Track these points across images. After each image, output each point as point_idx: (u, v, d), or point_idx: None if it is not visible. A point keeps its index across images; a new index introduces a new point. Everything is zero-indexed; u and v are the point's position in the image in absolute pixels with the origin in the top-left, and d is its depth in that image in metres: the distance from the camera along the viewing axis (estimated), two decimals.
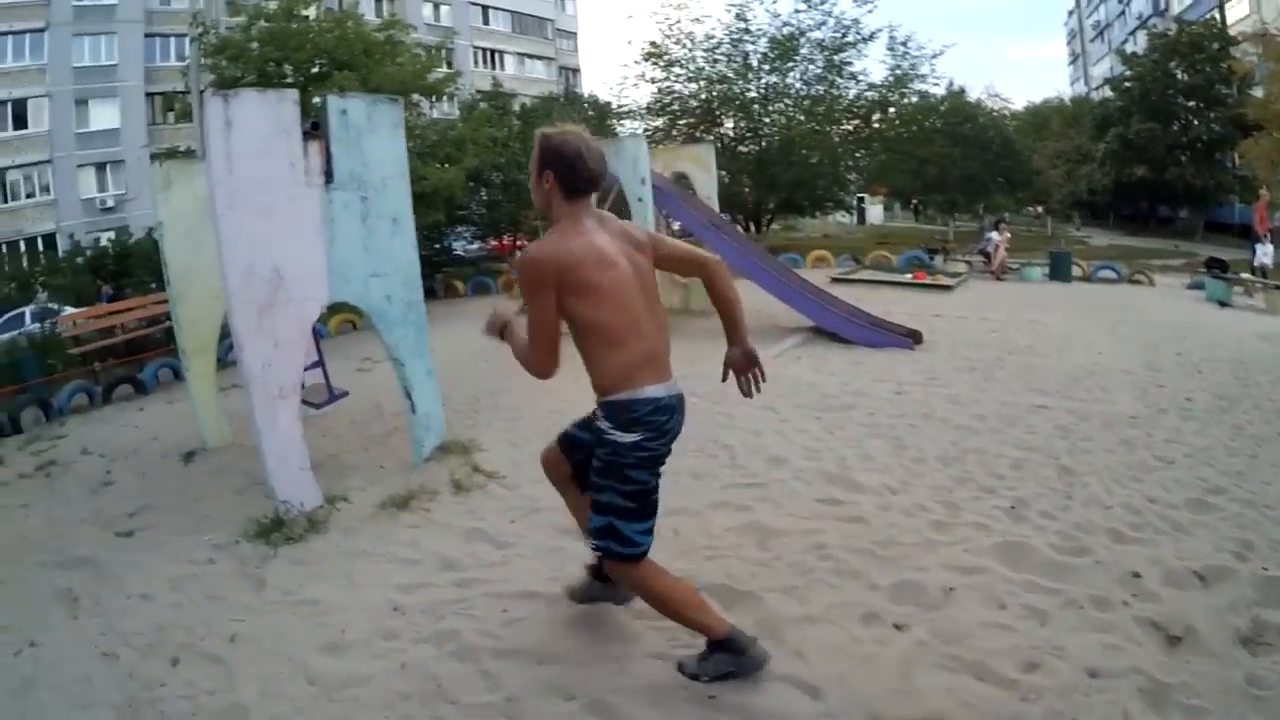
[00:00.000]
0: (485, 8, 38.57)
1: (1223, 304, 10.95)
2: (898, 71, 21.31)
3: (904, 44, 21.32)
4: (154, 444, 6.77)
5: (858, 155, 22.36)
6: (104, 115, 27.46)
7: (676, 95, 21.67)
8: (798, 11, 21.28)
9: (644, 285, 2.17)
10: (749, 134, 21.38)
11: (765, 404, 5.27)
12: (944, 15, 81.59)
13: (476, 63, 26.42)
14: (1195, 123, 26.88)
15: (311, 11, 17.20)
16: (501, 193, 17.30)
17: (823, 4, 20.59)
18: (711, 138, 19.53)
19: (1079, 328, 8.90)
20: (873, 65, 27.26)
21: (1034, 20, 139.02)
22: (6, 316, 18.02)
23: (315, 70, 15.16)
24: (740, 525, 3.44)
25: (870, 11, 20.80)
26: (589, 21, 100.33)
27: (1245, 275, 12.35)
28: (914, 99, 22.29)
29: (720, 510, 3.62)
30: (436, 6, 33.79)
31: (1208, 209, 27.94)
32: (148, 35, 28.61)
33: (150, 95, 28.53)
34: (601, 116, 27.13)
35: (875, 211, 43.86)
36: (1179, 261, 18.14)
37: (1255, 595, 2.65)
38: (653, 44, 21.47)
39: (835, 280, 12.06)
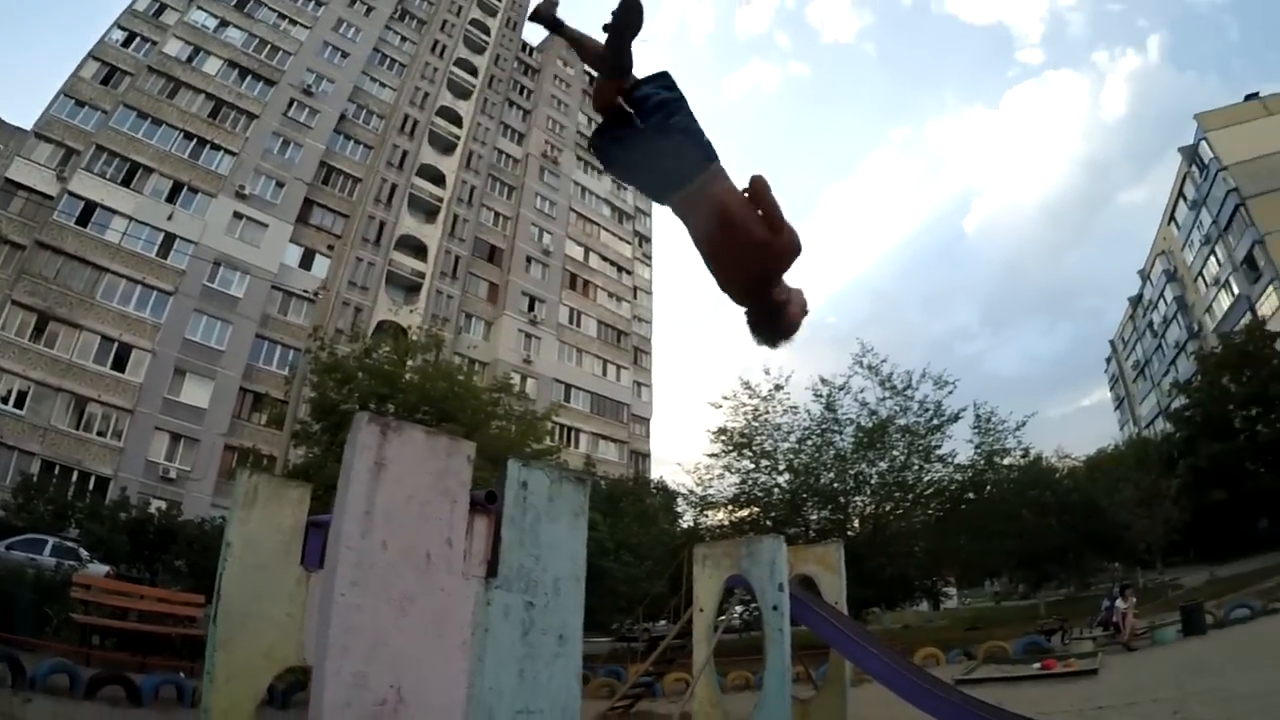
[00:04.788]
0: (568, 386, 41.91)
1: None
2: (984, 449, 20.68)
3: (988, 420, 20.86)
4: None
5: (949, 541, 21.07)
6: (196, 392, 28.93)
7: (764, 486, 21.03)
8: (883, 400, 20.72)
9: None
10: (833, 525, 20.45)
11: None
12: (981, 387, 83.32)
13: (553, 438, 27.98)
14: (1260, 429, 26.48)
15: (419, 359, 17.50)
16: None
17: (905, 390, 20.49)
18: (800, 532, 18.99)
19: (1271, 680, 7.58)
20: (955, 445, 27.17)
21: (1069, 376, 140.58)
22: (28, 536, 16.84)
23: (418, 417, 14.59)
24: None
25: (950, 393, 20.76)
26: (662, 409, 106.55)
27: None
28: (1006, 472, 21.56)
29: None
30: (524, 379, 36.13)
31: None
32: (258, 336, 31.35)
33: (243, 390, 30.37)
34: (668, 503, 26.58)
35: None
36: None
37: None
38: (741, 434, 21.03)
39: (961, 682, 10.04)
